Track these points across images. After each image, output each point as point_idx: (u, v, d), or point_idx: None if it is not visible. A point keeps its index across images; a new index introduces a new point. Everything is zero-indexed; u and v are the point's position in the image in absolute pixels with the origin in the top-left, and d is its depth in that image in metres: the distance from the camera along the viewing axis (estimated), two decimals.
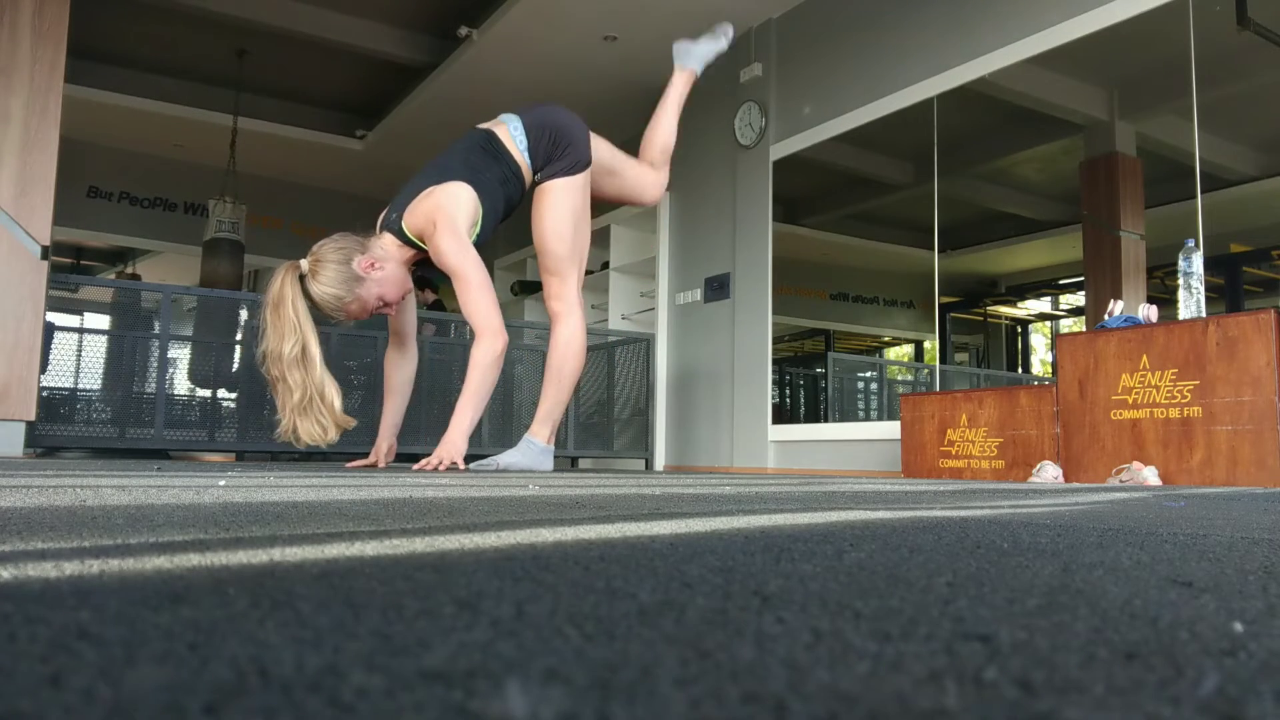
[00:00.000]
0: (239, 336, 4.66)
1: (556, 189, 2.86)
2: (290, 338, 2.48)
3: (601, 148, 3.02)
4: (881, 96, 4.57)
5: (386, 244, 2.74)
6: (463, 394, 2.65)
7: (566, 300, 2.91)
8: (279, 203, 8.51)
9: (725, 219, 5.52)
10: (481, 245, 2.75)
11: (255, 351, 2.58)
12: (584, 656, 0.29)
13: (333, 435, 2.53)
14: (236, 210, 6.61)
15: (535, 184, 2.91)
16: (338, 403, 2.52)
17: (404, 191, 2.78)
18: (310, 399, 2.49)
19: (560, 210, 2.86)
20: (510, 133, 2.84)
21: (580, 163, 2.88)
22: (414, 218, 2.70)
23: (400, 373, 2.99)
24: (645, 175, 3.19)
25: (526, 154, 2.83)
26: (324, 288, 2.60)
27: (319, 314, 2.69)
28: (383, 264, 2.68)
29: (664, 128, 3.26)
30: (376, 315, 2.80)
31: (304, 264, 2.62)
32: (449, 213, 2.64)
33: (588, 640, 0.32)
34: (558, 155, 2.85)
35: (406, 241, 2.73)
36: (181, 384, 4.45)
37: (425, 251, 2.73)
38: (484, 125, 2.90)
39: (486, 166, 2.76)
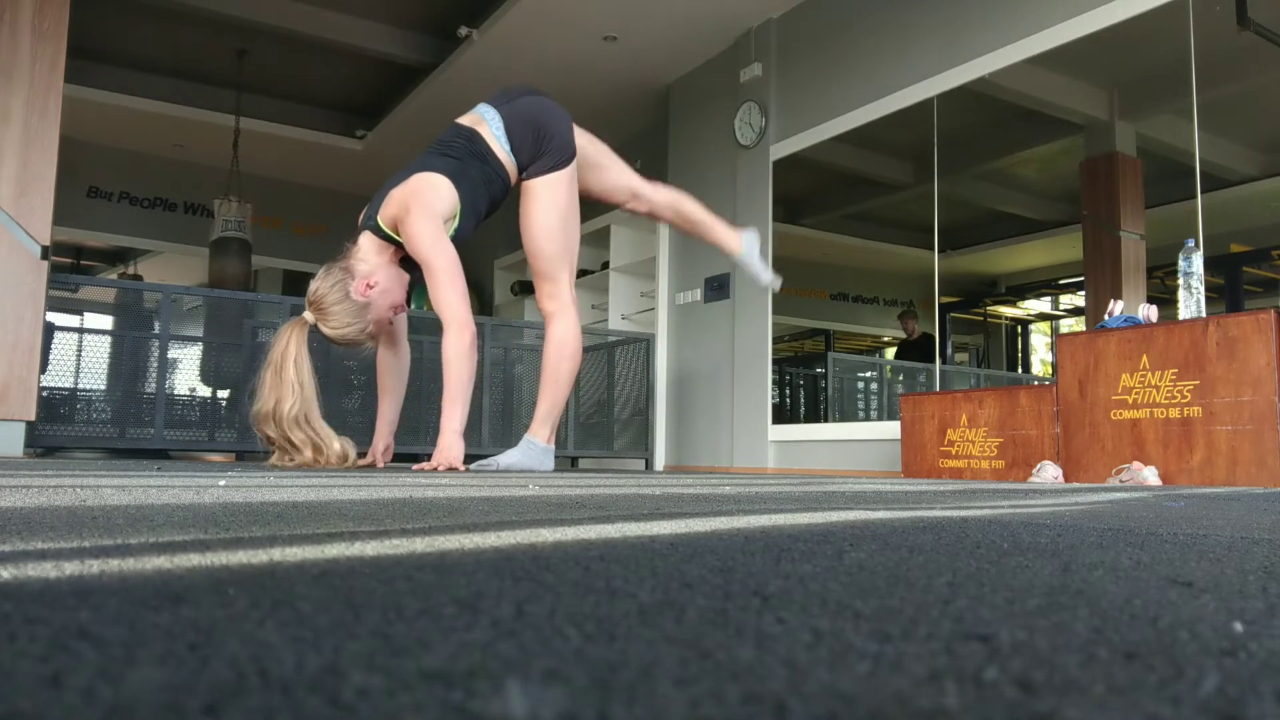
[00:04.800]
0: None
1: (543, 187, 2.81)
2: (289, 398, 2.47)
3: (583, 140, 2.95)
4: (881, 96, 4.57)
5: (365, 249, 2.69)
6: (446, 394, 2.61)
7: (560, 299, 2.88)
8: (279, 203, 8.51)
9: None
10: (460, 243, 2.71)
11: (250, 411, 2.58)
12: (584, 656, 0.29)
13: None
14: (242, 209, 6.61)
15: (520, 181, 2.87)
16: (346, 451, 2.54)
17: (381, 189, 2.73)
18: (320, 448, 2.50)
19: (547, 208, 2.81)
20: (492, 131, 2.78)
21: (565, 158, 2.83)
22: (389, 207, 2.65)
23: (393, 371, 2.97)
24: (633, 177, 3.09)
25: (510, 153, 2.78)
26: (339, 330, 2.61)
27: (346, 351, 2.72)
28: (375, 278, 2.65)
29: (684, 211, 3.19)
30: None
31: (307, 316, 2.61)
32: (425, 200, 2.60)
33: (588, 640, 0.32)
34: (542, 151, 2.80)
35: (384, 237, 2.68)
36: (183, 384, 4.46)
37: (404, 247, 2.70)
38: (464, 120, 2.84)
39: (469, 164, 2.71)
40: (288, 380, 2.49)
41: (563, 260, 2.86)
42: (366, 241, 2.71)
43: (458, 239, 2.69)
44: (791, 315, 5.45)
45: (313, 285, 2.63)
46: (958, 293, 4.80)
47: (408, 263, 2.76)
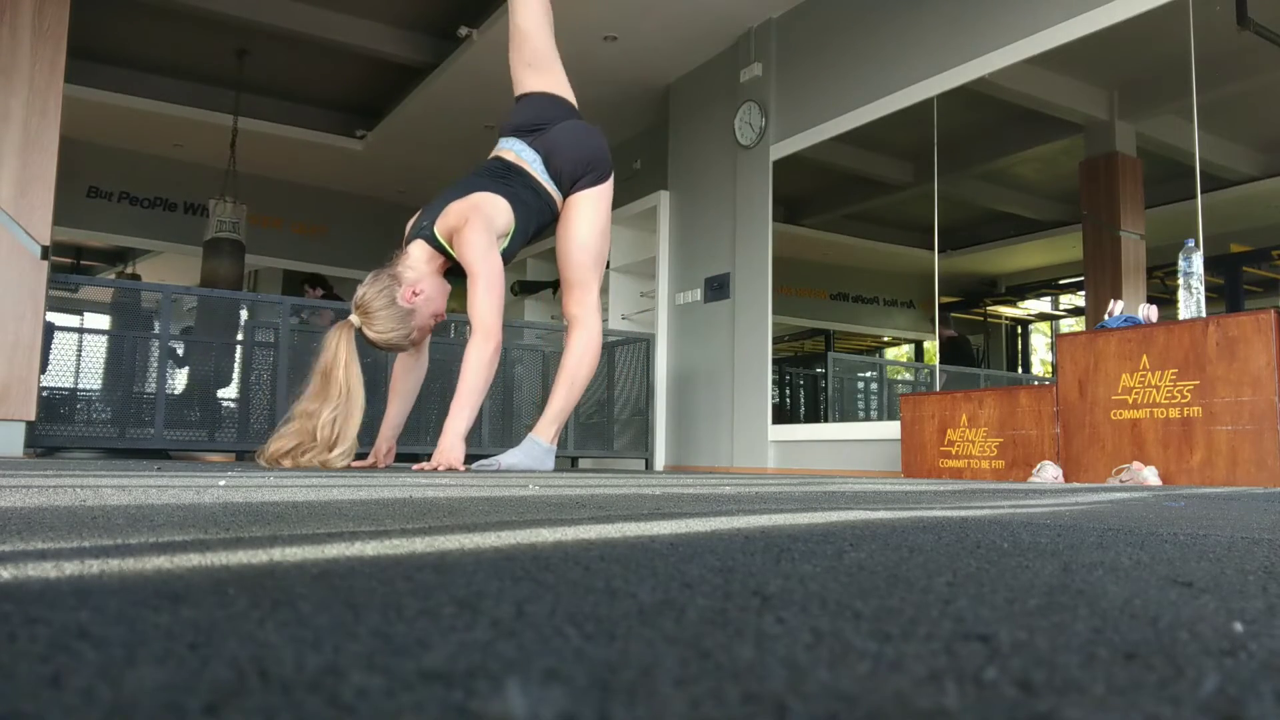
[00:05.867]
0: (239, 336, 4.66)
1: (585, 201, 2.95)
2: (335, 399, 2.54)
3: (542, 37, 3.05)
4: (881, 96, 4.57)
5: (415, 257, 2.78)
6: (457, 395, 2.67)
7: (587, 306, 2.98)
8: (279, 203, 8.51)
9: (725, 219, 5.52)
10: (504, 261, 2.81)
11: (291, 402, 2.63)
12: (584, 656, 0.29)
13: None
14: (237, 210, 6.60)
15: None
16: (339, 463, 2.55)
17: (436, 202, 2.83)
18: (319, 453, 2.52)
19: (589, 222, 2.95)
20: (534, 172, 2.89)
21: (605, 172, 2.98)
22: (448, 219, 2.74)
23: (409, 377, 3.01)
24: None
25: (555, 188, 2.92)
26: (383, 334, 2.68)
27: (384, 353, 2.76)
28: (420, 286, 2.73)
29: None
30: None
31: (354, 319, 2.68)
32: (485, 213, 2.70)
33: (588, 640, 0.32)
34: (583, 173, 2.94)
35: (438, 247, 2.78)
36: (183, 384, 4.45)
37: (454, 260, 2.78)
38: (506, 156, 2.92)
39: (525, 194, 2.84)
40: (335, 382, 2.56)
41: (595, 270, 3.00)
42: (418, 250, 2.80)
43: (503, 257, 2.79)
44: (791, 315, 5.45)
45: (360, 290, 2.71)
46: (957, 293, 4.80)
47: (450, 275, 2.86)
